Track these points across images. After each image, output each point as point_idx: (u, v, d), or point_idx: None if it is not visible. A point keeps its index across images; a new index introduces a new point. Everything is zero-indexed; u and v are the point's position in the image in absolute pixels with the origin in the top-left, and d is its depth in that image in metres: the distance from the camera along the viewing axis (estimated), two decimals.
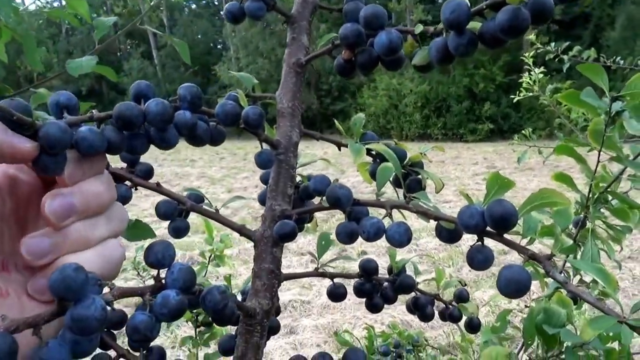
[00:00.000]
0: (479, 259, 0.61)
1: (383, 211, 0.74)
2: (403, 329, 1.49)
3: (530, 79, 2.73)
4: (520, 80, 2.83)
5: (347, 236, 0.75)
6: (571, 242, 0.97)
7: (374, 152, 0.87)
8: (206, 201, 0.92)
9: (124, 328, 0.52)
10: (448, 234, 0.66)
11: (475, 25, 0.61)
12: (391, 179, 0.88)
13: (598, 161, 0.96)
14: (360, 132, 0.88)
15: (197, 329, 1.81)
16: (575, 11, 22.53)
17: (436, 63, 0.66)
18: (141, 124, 0.58)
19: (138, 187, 0.90)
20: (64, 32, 35.53)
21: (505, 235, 0.59)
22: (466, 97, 23.62)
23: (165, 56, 32.52)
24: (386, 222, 0.73)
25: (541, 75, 2.70)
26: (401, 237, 0.68)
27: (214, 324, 1.85)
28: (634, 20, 20.53)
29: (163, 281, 0.56)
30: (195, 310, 1.85)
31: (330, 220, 7.65)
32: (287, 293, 5.14)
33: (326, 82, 26.40)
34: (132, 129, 0.57)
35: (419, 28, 0.69)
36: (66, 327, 0.44)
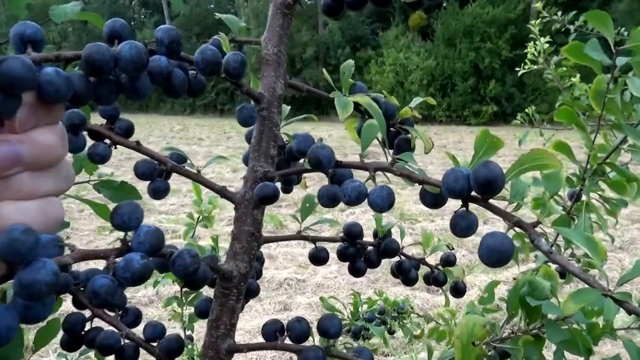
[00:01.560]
0: (462, 226, 0.58)
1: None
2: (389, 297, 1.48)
3: (535, 49, 2.59)
4: (525, 51, 2.69)
5: (329, 199, 0.72)
6: (560, 209, 0.94)
7: (362, 108, 0.83)
8: (188, 162, 0.89)
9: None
10: (432, 198, 0.63)
11: None
12: (380, 137, 0.84)
13: (598, 127, 0.92)
14: (350, 82, 0.83)
15: (182, 289, 1.81)
16: None
17: None
18: (112, 69, 0.52)
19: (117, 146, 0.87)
20: None
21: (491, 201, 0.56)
22: (472, 73, 23.55)
23: (178, 26, 31.68)
24: (370, 185, 0.70)
25: (547, 46, 2.56)
26: (383, 202, 0.65)
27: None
28: None
29: (130, 244, 0.53)
30: None
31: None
32: (283, 271, 5.21)
33: (334, 57, 26.04)
34: (101, 75, 0.51)
35: None
36: (15, 292, 0.41)
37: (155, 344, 0.78)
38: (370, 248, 0.96)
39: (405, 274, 0.99)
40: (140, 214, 0.54)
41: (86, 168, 1.10)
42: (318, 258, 0.94)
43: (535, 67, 2.64)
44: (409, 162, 0.66)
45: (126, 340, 0.76)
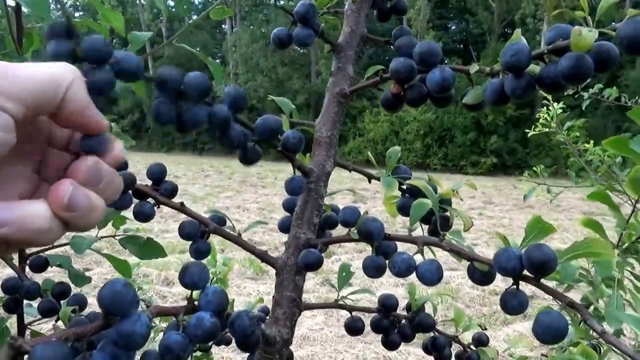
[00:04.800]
0: (512, 304, 0.62)
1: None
2: None
3: (548, 114, 2.72)
4: (537, 116, 2.83)
5: (375, 270, 0.77)
6: (609, 291, 0.98)
7: (404, 187, 0.89)
8: (229, 224, 0.94)
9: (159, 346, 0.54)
10: (481, 275, 0.68)
11: (534, 68, 0.64)
12: None
13: (633, 210, 0.98)
14: (394, 165, 0.90)
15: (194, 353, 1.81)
16: None
17: (490, 104, 0.69)
18: (178, 87, 0.59)
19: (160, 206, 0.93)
20: None
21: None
22: (472, 128, 23.87)
23: (160, 67, 32.01)
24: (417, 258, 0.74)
25: (560, 111, 2.68)
26: (432, 276, 0.70)
27: (211, 351, 1.85)
28: None
29: (195, 303, 0.58)
30: None
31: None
32: None
33: None
34: (167, 91, 0.59)
35: (474, 68, 0.71)
36: (110, 341, 0.46)
37: None
38: (404, 321, 1.00)
39: (440, 350, 1.02)
40: (208, 275, 0.59)
41: (114, 222, 1.14)
42: (354, 328, 0.97)
43: (547, 130, 2.75)
44: (457, 239, 0.71)
45: None
